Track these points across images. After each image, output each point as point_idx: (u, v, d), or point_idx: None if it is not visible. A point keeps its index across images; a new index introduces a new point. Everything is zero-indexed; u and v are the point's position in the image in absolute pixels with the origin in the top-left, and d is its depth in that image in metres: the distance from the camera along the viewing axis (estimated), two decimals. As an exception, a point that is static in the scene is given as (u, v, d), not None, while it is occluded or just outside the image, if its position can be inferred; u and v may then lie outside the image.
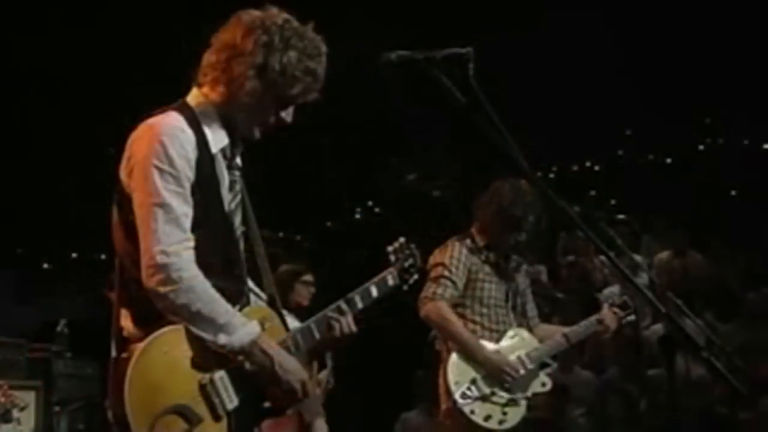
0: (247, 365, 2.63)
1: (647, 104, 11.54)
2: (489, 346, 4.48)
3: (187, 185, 2.61)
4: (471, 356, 4.40)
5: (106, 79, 10.34)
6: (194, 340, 2.59)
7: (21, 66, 10.28)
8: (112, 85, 10.25)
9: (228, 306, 2.61)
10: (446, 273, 4.49)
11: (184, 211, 2.59)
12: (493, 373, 4.38)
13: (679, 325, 2.38)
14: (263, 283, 2.92)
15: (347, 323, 2.95)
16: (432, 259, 4.56)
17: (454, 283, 4.48)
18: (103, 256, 12.22)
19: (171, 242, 2.55)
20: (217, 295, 2.59)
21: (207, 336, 2.57)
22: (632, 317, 4.82)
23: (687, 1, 10.97)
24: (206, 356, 2.60)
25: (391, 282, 3.17)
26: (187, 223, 2.60)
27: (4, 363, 5.75)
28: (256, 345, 2.62)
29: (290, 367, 2.67)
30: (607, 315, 4.66)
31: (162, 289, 2.53)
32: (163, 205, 2.56)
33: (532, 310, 4.75)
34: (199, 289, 2.56)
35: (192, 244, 2.60)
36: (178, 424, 2.52)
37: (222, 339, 2.57)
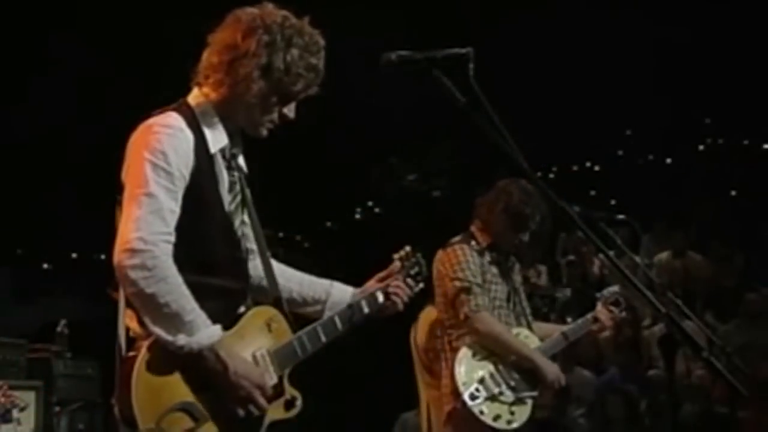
0: (203, 370, 2.56)
1: (647, 104, 11.55)
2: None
3: (179, 184, 2.59)
4: (526, 362, 4.39)
5: (106, 78, 10.34)
6: None
7: (23, 61, 10.29)
8: (112, 84, 10.25)
9: (195, 305, 2.54)
10: (471, 278, 4.42)
11: (171, 207, 2.56)
12: (549, 378, 4.38)
13: (679, 326, 2.38)
14: (268, 284, 2.90)
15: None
16: (440, 266, 4.50)
17: (480, 287, 4.44)
18: (103, 256, 12.23)
19: (151, 231, 2.50)
20: (187, 292, 2.52)
21: (166, 336, 2.50)
22: (624, 314, 4.84)
23: (687, 2, 10.97)
24: None
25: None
26: (172, 219, 2.56)
27: (4, 363, 5.74)
28: (212, 349, 2.55)
29: (246, 373, 2.61)
30: (602, 312, 4.68)
31: (133, 274, 2.47)
32: (151, 195, 2.53)
33: (527, 308, 4.75)
34: (172, 281, 2.50)
35: (172, 239, 2.55)
36: (184, 421, 2.52)
37: (181, 339, 2.50)
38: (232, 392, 2.59)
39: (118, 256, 2.50)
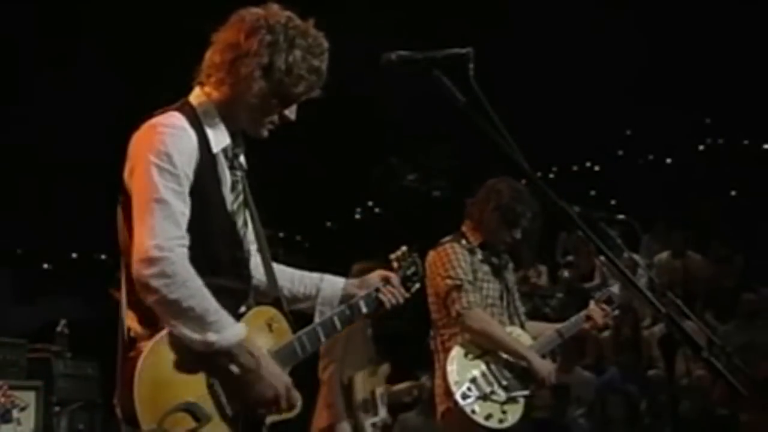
0: (233, 367, 2.58)
1: (647, 104, 11.56)
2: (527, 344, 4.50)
3: (186, 185, 2.59)
4: (518, 359, 4.39)
5: (106, 77, 10.35)
6: None
7: (23, 65, 10.29)
8: (113, 84, 10.25)
9: (217, 305, 2.55)
10: (462, 276, 4.43)
11: (182, 210, 2.57)
12: (541, 376, 4.39)
13: (679, 326, 2.38)
14: (268, 284, 2.90)
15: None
16: (431, 266, 4.49)
17: (471, 284, 4.44)
18: (103, 256, 12.26)
19: (166, 237, 2.52)
20: (208, 294, 2.54)
21: (194, 335, 2.51)
22: (617, 312, 4.86)
23: (687, 3, 10.97)
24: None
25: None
26: (184, 222, 2.57)
27: (4, 363, 5.74)
28: (242, 346, 2.58)
29: (276, 371, 2.64)
30: (595, 310, 4.67)
31: (154, 283, 2.48)
32: (161, 201, 2.54)
33: (520, 307, 4.75)
34: (192, 285, 2.52)
35: (187, 242, 2.56)
36: (186, 421, 2.52)
37: (212, 336, 2.51)
38: (260, 389, 2.60)
39: (136, 265, 2.51)
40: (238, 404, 2.61)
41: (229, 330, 2.56)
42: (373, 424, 5.41)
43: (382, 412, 5.50)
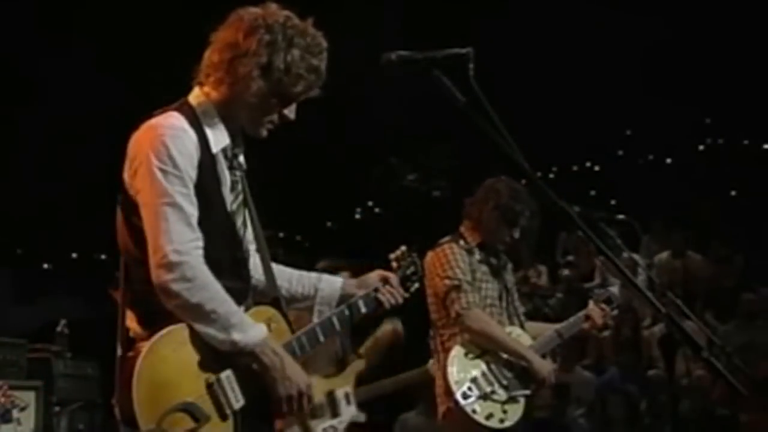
0: (255, 365, 2.62)
1: (647, 104, 11.56)
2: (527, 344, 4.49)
3: (190, 185, 2.61)
4: (518, 359, 4.39)
5: (106, 77, 10.34)
6: (201, 339, 2.58)
7: (21, 67, 10.29)
8: (112, 83, 10.25)
9: (237, 307, 2.61)
10: (460, 276, 4.43)
11: (191, 211, 2.60)
12: (541, 376, 4.39)
13: (679, 326, 2.38)
14: (267, 284, 2.91)
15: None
16: (430, 266, 4.48)
17: (470, 284, 4.44)
18: (103, 256, 12.25)
19: (183, 241, 2.55)
20: (227, 296, 2.59)
21: (219, 334, 2.56)
22: (616, 312, 4.89)
23: (687, 3, 10.98)
24: (213, 355, 2.59)
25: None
26: (195, 223, 2.60)
27: (4, 363, 5.74)
28: (266, 345, 2.62)
29: (299, 370, 2.68)
30: (594, 311, 4.67)
31: (175, 287, 2.52)
32: (173, 205, 2.56)
33: (519, 307, 4.75)
34: (212, 288, 2.57)
35: (201, 244, 2.60)
36: (185, 421, 2.52)
37: (237, 335, 2.56)
38: (284, 387, 2.63)
39: (156, 271, 2.54)
40: (252, 402, 2.62)
41: (252, 330, 2.61)
42: (332, 428, 5.14)
43: (348, 412, 5.13)
